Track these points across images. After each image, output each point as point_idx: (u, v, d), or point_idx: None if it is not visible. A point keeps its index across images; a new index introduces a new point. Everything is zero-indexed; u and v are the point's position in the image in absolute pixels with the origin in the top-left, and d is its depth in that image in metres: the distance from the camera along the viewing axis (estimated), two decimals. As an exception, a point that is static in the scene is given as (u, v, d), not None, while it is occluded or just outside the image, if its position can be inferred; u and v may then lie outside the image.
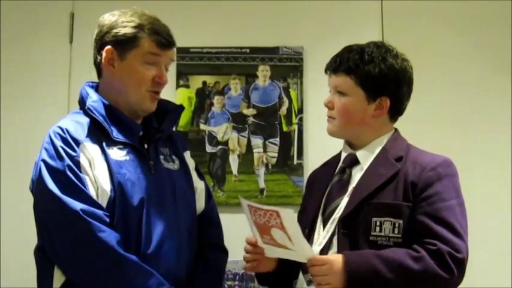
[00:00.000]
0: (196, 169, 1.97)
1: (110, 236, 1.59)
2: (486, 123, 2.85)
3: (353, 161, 1.75)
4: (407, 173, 1.66)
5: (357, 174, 1.72)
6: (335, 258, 1.58)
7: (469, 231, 1.67)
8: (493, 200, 2.78)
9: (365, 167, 1.72)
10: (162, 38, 1.76)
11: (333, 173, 1.79)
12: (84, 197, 1.61)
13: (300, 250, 1.59)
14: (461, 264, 1.56)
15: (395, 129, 1.81)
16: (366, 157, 1.73)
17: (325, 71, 1.79)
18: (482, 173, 2.78)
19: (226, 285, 2.64)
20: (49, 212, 1.64)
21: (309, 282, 1.66)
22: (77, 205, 1.59)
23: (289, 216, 1.54)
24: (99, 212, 1.61)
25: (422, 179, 1.63)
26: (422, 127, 2.75)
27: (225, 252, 1.92)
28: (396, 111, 1.77)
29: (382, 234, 1.61)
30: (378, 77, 1.70)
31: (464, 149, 2.76)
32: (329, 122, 1.78)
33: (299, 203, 2.03)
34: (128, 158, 1.71)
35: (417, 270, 1.53)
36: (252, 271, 1.77)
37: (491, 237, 2.72)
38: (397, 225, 1.61)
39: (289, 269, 1.73)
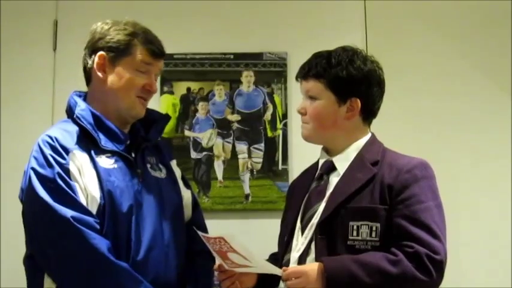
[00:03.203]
0: (183, 178, 1.98)
1: (100, 243, 1.60)
2: (483, 124, 2.84)
3: (330, 167, 1.76)
4: (384, 176, 1.67)
5: (334, 180, 1.73)
6: (310, 268, 1.58)
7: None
8: (493, 201, 2.77)
9: (342, 173, 1.73)
10: (155, 47, 1.79)
11: (311, 181, 1.81)
12: (75, 204, 1.62)
13: (261, 266, 1.59)
14: (439, 266, 1.56)
15: (372, 134, 1.82)
16: (342, 162, 1.75)
17: (296, 79, 1.83)
18: (482, 174, 2.78)
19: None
20: (39, 220, 1.64)
21: None
22: (68, 212, 1.60)
23: (234, 239, 1.56)
24: (90, 219, 1.62)
25: (399, 182, 1.64)
26: (406, 128, 2.76)
27: (212, 258, 1.93)
28: (368, 112, 1.78)
29: (360, 238, 1.62)
30: (345, 78, 1.73)
31: (461, 151, 2.78)
32: (303, 128, 1.80)
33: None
34: (116, 166, 1.73)
35: (395, 273, 1.54)
36: None
37: (491, 238, 2.71)
38: (374, 228, 1.62)
39: (270, 278, 1.72)
